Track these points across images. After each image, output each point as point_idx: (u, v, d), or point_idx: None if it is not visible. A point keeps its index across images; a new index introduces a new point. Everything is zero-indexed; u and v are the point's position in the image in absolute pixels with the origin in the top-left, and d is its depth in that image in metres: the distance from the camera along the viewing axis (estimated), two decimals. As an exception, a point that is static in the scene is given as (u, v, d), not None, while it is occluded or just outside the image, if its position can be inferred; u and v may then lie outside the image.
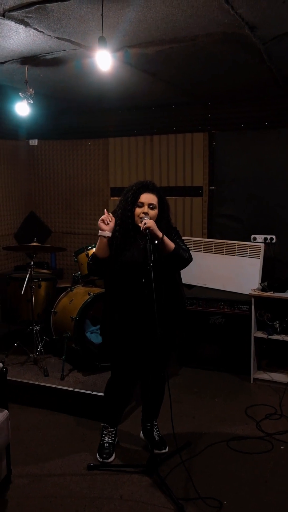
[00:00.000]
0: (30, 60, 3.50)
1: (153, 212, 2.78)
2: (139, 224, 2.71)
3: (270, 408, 3.72)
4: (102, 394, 3.31)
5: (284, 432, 3.36)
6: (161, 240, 2.67)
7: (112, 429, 3.13)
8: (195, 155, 5.14)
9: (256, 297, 4.18)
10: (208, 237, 5.10)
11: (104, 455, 3.02)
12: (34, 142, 6.00)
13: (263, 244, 4.61)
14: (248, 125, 4.87)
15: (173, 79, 4.14)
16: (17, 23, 2.75)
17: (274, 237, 4.75)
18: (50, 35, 2.99)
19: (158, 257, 2.68)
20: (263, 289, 4.22)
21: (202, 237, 5.09)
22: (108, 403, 3.13)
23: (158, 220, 2.79)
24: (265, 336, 4.15)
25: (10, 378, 3.34)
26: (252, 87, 4.39)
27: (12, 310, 4.41)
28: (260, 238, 4.80)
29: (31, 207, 6.12)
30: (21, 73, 3.74)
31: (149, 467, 2.84)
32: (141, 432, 3.27)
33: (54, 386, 3.73)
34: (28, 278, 4.13)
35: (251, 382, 4.22)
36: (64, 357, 3.94)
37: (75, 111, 5.60)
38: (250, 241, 4.79)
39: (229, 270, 4.67)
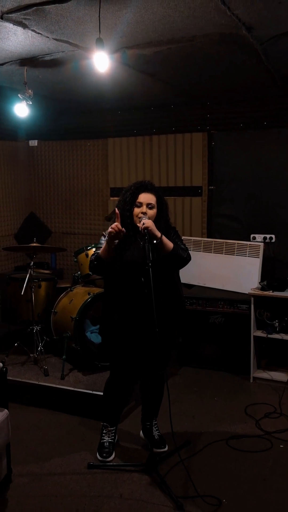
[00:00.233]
0: (29, 61, 3.51)
1: (152, 212, 2.79)
2: (138, 224, 2.71)
3: (269, 407, 3.74)
4: (102, 394, 3.32)
5: (284, 431, 3.37)
6: (159, 240, 2.67)
7: (111, 428, 3.14)
8: (194, 155, 5.15)
9: (255, 296, 4.19)
10: (208, 237, 5.10)
11: (104, 454, 3.03)
12: (33, 143, 6.02)
13: (263, 243, 4.61)
14: (247, 125, 4.89)
15: (172, 80, 4.15)
16: (15, 25, 2.77)
17: (273, 236, 4.76)
18: (48, 37, 3.00)
19: (157, 257, 2.68)
20: (262, 288, 4.23)
21: (202, 237, 5.10)
22: (107, 402, 3.14)
23: (156, 220, 2.79)
24: (264, 335, 4.16)
25: (10, 378, 3.36)
26: (250, 87, 4.40)
27: (12, 310, 4.43)
28: (259, 237, 4.81)
29: (31, 208, 6.14)
30: (20, 75, 3.76)
31: (149, 465, 2.85)
32: (141, 431, 3.28)
33: (54, 385, 3.74)
34: (28, 278, 4.15)
35: (251, 381, 4.23)
36: (64, 357, 3.95)
37: (74, 112, 5.61)
38: (249, 240, 4.79)
39: (228, 269, 4.68)
